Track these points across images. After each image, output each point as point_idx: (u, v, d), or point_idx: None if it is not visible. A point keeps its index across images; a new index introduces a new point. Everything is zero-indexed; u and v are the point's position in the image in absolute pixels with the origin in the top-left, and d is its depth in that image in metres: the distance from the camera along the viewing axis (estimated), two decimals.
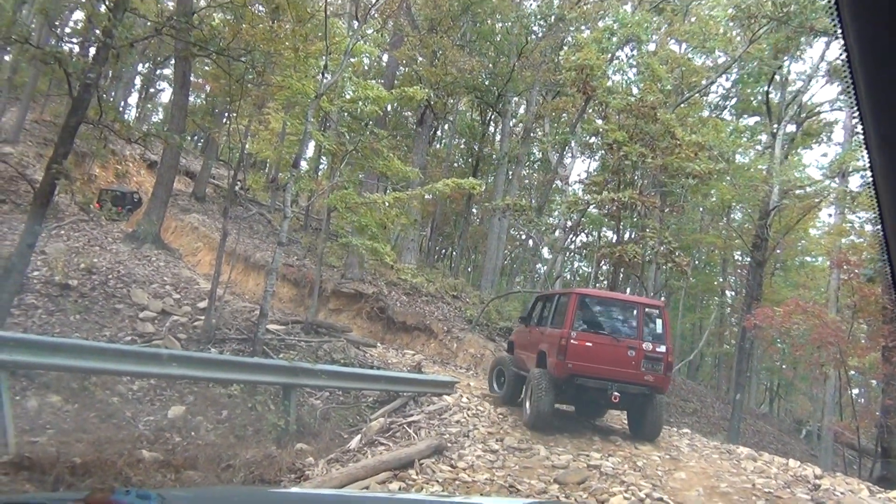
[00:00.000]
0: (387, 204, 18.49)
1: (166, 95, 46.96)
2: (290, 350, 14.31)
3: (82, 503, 1.97)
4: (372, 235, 18.17)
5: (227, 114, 22.83)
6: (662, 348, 11.51)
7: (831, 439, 23.92)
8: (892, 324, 14.91)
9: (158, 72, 43.40)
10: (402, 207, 19.96)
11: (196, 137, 42.21)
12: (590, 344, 11.27)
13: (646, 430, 11.75)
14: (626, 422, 12.93)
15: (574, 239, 32.57)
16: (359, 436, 10.74)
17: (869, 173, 0.92)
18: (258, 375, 11.53)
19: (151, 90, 47.47)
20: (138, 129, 15.57)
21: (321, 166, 34.13)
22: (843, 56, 0.88)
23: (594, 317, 12.01)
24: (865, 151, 0.88)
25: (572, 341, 11.15)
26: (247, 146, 20.73)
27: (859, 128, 0.86)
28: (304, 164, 26.53)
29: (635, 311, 11.96)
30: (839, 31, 0.85)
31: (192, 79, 24.83)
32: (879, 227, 0.91)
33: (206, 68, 30.19)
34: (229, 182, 18.42)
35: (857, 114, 0.85)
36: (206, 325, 14.02)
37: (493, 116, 35.08)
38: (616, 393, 11.10)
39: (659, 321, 12.14)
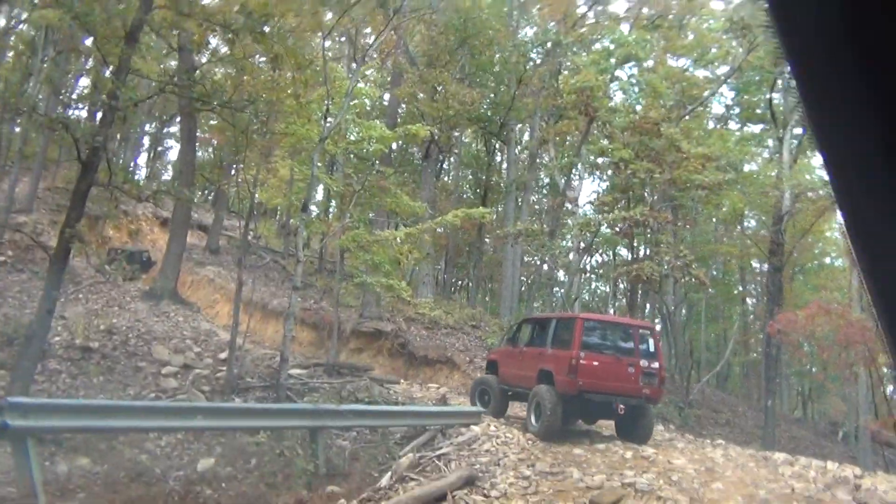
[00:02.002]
0: (398, 240, 18.56)
1: (174, 153, 47.54)
2: (314, 393, 14.29)
3: None
4: (386, 272, 18.20)
5: (234, 165, 23.10)
6: (656, 364, 12.97)
7: (869, 439, 23.43)
8: None
9: (165, 129, 44.00)
10: (413, 242, 20.01)
11: (206, 191, 42.63)
12: (596, 363, 12.50)
13: (639, 434, 13.01)
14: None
15: (589, 260, 32.52)
16: (389, 473, 10.64)
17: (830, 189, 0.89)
18: (284, 420, 11.51)
19: (160, 148, 48.09)
20: (148, 188, 15.79)
21: (331, 208, 34.36)
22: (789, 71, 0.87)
23: (597, 338, 13.20)
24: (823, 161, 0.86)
25: (581, 361, 12.31)
26: (256, 195, 20.91)
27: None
28: (313, 208, 26.74)
29: (631, 332, 13.50)
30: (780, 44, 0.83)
31: (198, 133, 25.19)
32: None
33: (212, 122, 30.59)
34: (241, 232, 18.56)
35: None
36: (229, 375, 14.03)
37: (497, 145, 35.27)
38: (622, 405, 12.34)
39: (651, 340, 13.58)
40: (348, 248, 17.93)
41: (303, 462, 11.34)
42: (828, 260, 36.20)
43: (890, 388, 23.17)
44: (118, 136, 31.42)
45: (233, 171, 25.71)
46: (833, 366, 21.04)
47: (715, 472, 10.26)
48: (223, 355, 15.37)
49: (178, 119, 28.59)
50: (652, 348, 13.31)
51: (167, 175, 48.69)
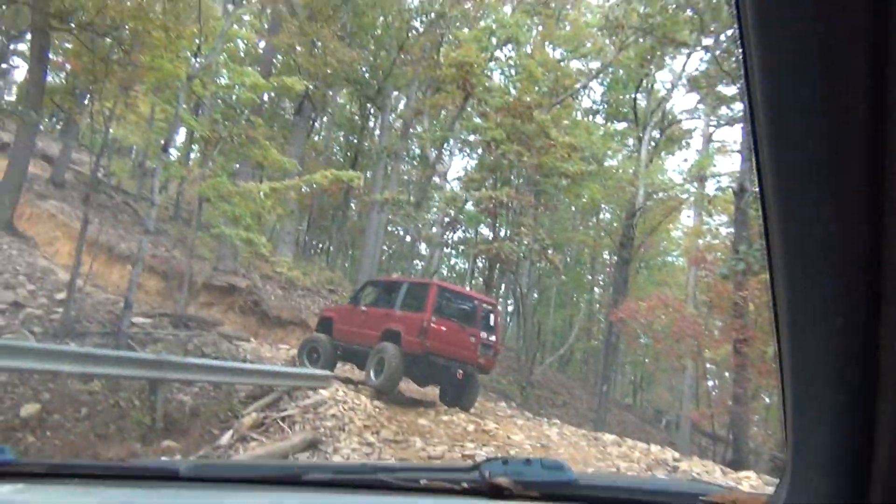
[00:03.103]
0: (262, 194, 17.98)
1: (21, 73, 43.62)
2: (158, 343, 13.67)
3: None
4: (246, 226, 17.60)
5: (90, 94, 21.49)
6: (494, 338, 14.15)
7: (689, 427, 25.38)
8: (742, 318, 16.05)
9: (12, 46, 40.24)
10: (278, 198, 19.48)
11: (55, 119, 39.46)
12: (444, 328, 13.24)
13: (465, 401, 13.95)
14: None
15: (451, 235, 32.97)
16: (230, 431, 10.40)
17: (756, 176, 0.92)
18: (121, 369, 10.89)
19: (4, 66, 43.97)
20: None
21: (192, 153, 32.78)
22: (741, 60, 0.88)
23: (446, 306, 13.93)
24: (753, 145, 0.88)
25: (432, 324, 13.01)
26: (111, 130, 19.61)
27: (749, 126, 0.86)
28: (174, 152, 25.43)
29: (476, 305, 14.43)
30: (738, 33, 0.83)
31: (51, 56, 23.19)
32: (762, 225, 0.92)
33: (67, 45, 28.32)
34: (91, 167, 17.36)
35: (749, 112, 0.85)
36: (65, 317, 13.15)
37: (372, 110, 34.89)
38: (460, 370, 13.18)
39: (492, 315, 14.67)
40: (208, 197, 17.16)
41: (139, 414, 10.83)
42: (670, 258, 38.58)
43: (711, 382, 25.10)
44: None
45: (87, 101, 24.02)
46: (665, 358, 22.60)
47: (549, 448, 10.77)
48: (60, 296, 14.36)
49: (29, 35, 26.19)
50: (492, 323, 14.41)
51: (10, 97, 44.74)
